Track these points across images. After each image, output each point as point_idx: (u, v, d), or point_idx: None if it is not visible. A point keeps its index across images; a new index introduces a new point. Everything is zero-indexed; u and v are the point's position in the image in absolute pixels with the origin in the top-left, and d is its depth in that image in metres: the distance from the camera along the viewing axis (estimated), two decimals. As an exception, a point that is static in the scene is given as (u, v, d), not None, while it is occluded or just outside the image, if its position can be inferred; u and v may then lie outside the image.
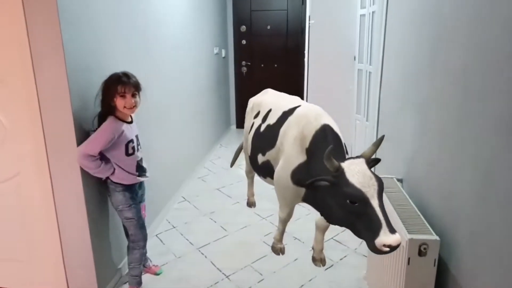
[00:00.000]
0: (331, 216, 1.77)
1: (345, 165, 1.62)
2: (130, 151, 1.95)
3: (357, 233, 1.60)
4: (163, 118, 3.03)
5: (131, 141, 1.95)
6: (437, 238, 1.33)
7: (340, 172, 1.59)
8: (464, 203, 1.26)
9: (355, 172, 1.57)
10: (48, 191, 1.94)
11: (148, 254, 2.37)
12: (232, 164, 3.42)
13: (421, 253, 1.33)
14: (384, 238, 1.41)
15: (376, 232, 1.45)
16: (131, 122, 1.99)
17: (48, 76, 1.77)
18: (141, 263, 2.11)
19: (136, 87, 1.89)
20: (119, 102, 1.85)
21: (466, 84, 1.26)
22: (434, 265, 1.34)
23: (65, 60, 1.73)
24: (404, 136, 1.92)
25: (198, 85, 4.11)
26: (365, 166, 1.60)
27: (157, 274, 2.33)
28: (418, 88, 1.74)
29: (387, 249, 1.42)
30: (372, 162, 1.67)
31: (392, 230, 1.43)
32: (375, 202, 1.49)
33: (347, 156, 1.92)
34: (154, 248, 2.61)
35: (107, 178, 1.95)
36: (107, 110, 1.88)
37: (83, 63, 1.88)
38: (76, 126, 1.82)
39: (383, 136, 1.66)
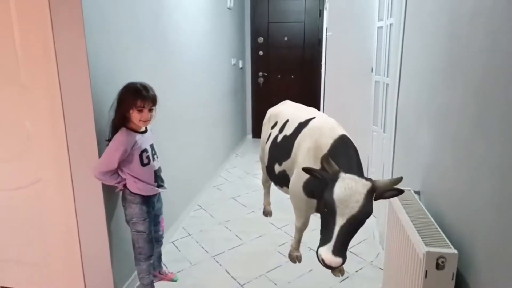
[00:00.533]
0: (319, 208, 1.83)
1: (344, 175, 1.63)
2: (145, 161, 1.92)
3: (320, 233, 1.71)
4: (180, 128, 3.08)
5: (145, 150, 1.92)
6: (455, 251, 1.31)
7: (335, 178, 1.62)
8: (483, 216, 1.24)
9: (346, 186, 1.58)
10: (69, 197, 1.99)
11: (164, 261, 2.40)
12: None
13: (438, 267, 1.31)
14: (324, 252, 1.56)
15: (324, 242, 1.59)
16: (145, 132, 1.97)
17: (72, 84, 1.84)
18: (150, 273, 2.11)
19: (153, 101, 1.87)
20: (135, 115, 1.84)
21: (484, 95, 1.25)
22: (452, 279, 1.32)
23: (89, 69, 1.79)
24: (421, 148, 1.91)
25: (215, 95, 4.17)
26: (362, 190, 1.58)
27: (174, 281, 2.35)
28: (436, 100, 1.74)
29: (321, 262, 1.57)
30: (392, 191, 1.62)
31: (337, 252, 1.54)
32: (340, 221, 1.56)
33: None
34: (170, 255, 2.63)
35: (126, 188, 1.94)
36: (121, 120, 1.87)
37: (106, 72, 1.95)
38: (98, 134, 1.88)
39: (401, 178, 1.63)
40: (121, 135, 1.84)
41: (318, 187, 1.93)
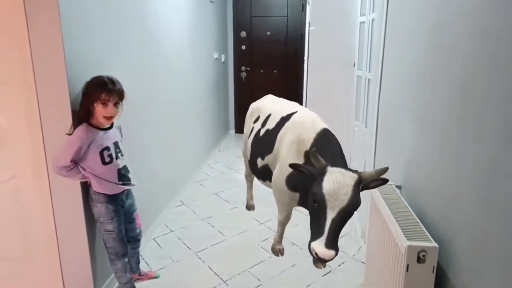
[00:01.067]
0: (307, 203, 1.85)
1: (331, 169, 1.65)
2: (107, 159, 1.83)
3: (310, 226, 1.75)
4: (162, 123, 3.03)
5: (107, 148, 1.83)
6: (436, 245, 1.32)
7: (323, 172, 1.64)
8: (464, 210, 1.26)
9: (334, 179, 1.60)
10: (46, 193, 1.93)
11: (146, 258, 2.36)
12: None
13: (420, 260, 1.33)
14: (317, 246, 1.58)
15: (316, 236, 1.61)
16: (109, 128, 1.88)
17: (48, 80, 1.77)
18: (126, 271, 2.04)
19: (120, 96, 1.79)
20: (99, 110, 1.75)
21: (466, 91, 1.27)
22: (433, 272, 1.33)
23: (65, 64, 1.73)
24: (403, 143, 1.93)
25: (197, 89, 4.12)
26: (350, 182, 1.61)
27: (156, 278, 2.33)
28: (418, 95, 1.75)
29: (315, 256, 1.60)
30: (378, 181, 1.66)
31: (329, 245, 1.57)
32: (331, 214, 1.59)
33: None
34: (152, 252, 2.60)
35: (90, 187, 1.88)
36: (85, 114, 1.78)
37: (83, 66, 1.88)
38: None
39: (387, 168, 1.66)
40: (81, 130, 1.76)
41: (301, 181, 1.95)
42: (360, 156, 2.96)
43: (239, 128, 5.92)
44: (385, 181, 1.66)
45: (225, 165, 4.56)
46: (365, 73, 2.87)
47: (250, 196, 3.27)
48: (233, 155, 4.92)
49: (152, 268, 2.42)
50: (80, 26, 1.85)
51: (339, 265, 2.48)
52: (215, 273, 2.41)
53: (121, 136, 1.99)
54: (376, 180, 1.66)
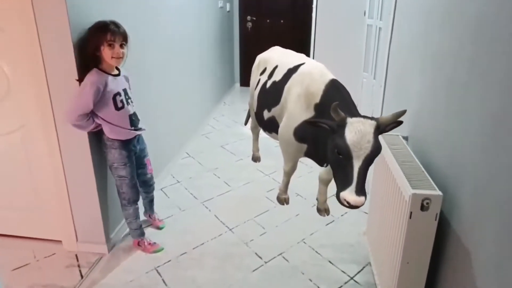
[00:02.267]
0: (325, 156, 1.86)
1: (351, 120, 1.63)
2: (120, 104, 1.86)
3: (335, 178, 1.75)
4: (166, 75, 2.98)
5: (118, 94, 1.85)
6: (440, 193, 1.33)
7: (343, 124, 1.64)
8: (468, 159, 1.25)
9: (356, 130, 1.60)
10: (54, 141, 1.95)
11: (154, 207, 2.42)
12: (246, 122, 3.39)
13: (423, 208, 1.35)
14: (348, 194, 1.58)
15: (344, 186, 1.61)
16: (117, 75, 1.88)
17: (50, 22, 1.73)
18: (137, 217, 2.12)
19: (124, 37, 1.80)
20: (106, 52, 1.75)
21: (477, 40, 1.21)
22: (436, 220, 1.36)
23: (66, 7, 1.68)
24: (411, 94, 1.89)
25: (201, 40, 4.01)
26: (370, 129, 1.61)
27: (160, 229, 2.39)
28: (429, 44, 1.69)
29: (346, 204, 1.60)
30: (393, 124, 1.65)
31: (359, 192, 1.57)
32: (357, 163, 1.59)
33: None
34: (160, 201, 2.66)
35: (103, 134, 1.90)
36: (92, 60, 1.78)
37: (84, 10, 1.82)
38: (79, 74, 1.79)
39: (405, 110, 1.64)
40: (92, 75, 1.76)
41: (310, 133, 1.94)
42: (368, 108, 2.92)
43: (245, 82, 5.83)
44: (400, 122, 1.66)
45: (231, 119, 4.55)
46: (376, 22, 2.76)
47: (256, 148, 3.29)
48: (239, 109, 4.89)
49: (161, 217, 2.49)
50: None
51: (342, 215, 2.53)
52: (221, 221, 2.48)
53: (129, 85, 1.98)
54: (392, 123, 1.66)
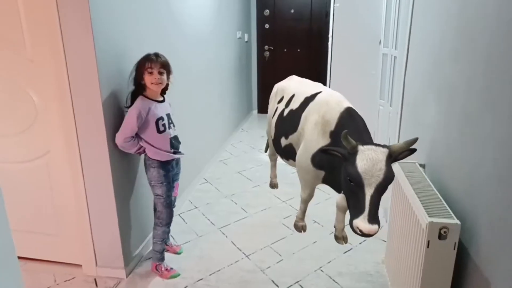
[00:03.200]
0: (339, 184, 1.90)
1: (362, 148, 1.66)
2: (161, 128, 2.02)
3: (348, 206, 1.79)
4: (186, 102, 3.07)
5: (161, 118, 2.02)
6: (458, 221, 1.32)
7: (354, 152, 1.66)
8: (486, 187, 1.25)
9: (367, 157, 1.63)
10: (77, 168, 2.02)
11: (172, 233, 2.44)
12: (266, 150, 3.43)
13: (441, 237, 1.33)
14: (360, 222, 1.60)
15: (357, 214, 1.63)
16: (162, 101, 2.07)
17: (77, 55, 1.84)
18: (163, 240, 2.18)
19: (163, 66, 1.97)
20: (147, 79, 1.94)
21: (491, 69, 1.23)
22: (454, 249, 1.34)
23: (94, 41, 1.79)
24: (427, 122, 1.90)
25: (220, 69, 4.13)
26: (382, 157, 1.63)
27: (178, 253, 2.41)
28: (443, 73, 1.71)
29: (359, 232, 1.62)
30: (406, 152, 1.68)
31: (372, 220, 1.59)
32: (369, 191, 1.62)
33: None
34: (177, 227, 2.69)
35: (145, 154, 2.06)
36: (138, 88, 1.99)
37: (110, 43, 1.94)
38: (104, 104, 1.89)
39: (416, 138, 1.66)
40: (137, 102, 1.96)
41: (327, 160, 1.96)
42: (385, 135, 2.93)
43: (262, 108, 5.92)
44: (413, 150, 1.68)
45: (248, 145, 4.60)
46: (391, 51, 2.80)
47: (273, 175, 3.32)
48: (256, 135, 4.96)
49: (178, 242, 2.51)
50: (109, 7, 1.89)
51: (360, 243, 2.50)
52: (237, 247, 2.48)
53: (171, 111, 2.15)
54: (405, 151, 1.68)
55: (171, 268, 2.22)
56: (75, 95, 1.90)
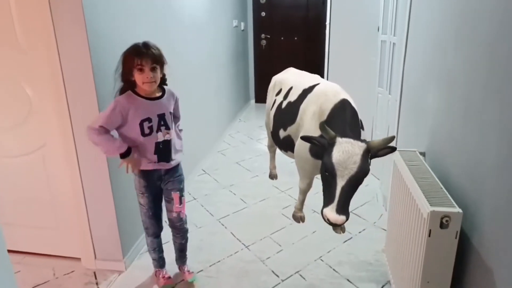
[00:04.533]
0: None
1: (340, 140, 1.73)
2: (146, 131, 1.72)
3: (323, 193, 1.85)
4: (182, 93, 3.02)
5: (148, 120, 1.71)
6: (460, 210, 1.31)
7: (332, 143, 1.72)
8: (488, 175, 1.23)
9: (343, 149, 1.69)
10: (73, 161, 2.00)
11: (188, 261, 2.17)
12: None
13: (442, 226, 1.32)
14: (328, 212, 1.70)
15: (327, 203, 1.73)
16: (159, 98, 1.77)
17: (70, 47, 1.80)
18: (154, 249, 2.02)
19: (155, 60, 1.66)
20: (138, 77, 1.66)
21: (493, 54, 1.20)
22: (456, 238, 1.32)
23: (86, 30, 1.75)
24: (427, 109, 1.88)
25: (217, 58, 4.08)
26: (358, 151, 1.69)
27: (190, 281, 2.06)
28: (444, 59, 1.68)
29: (327, 221, 1.72)
30: (386, 149, 1.73)
31: (340, 211, 1.68)
32: (340, 182, 1.69)
33: (362, 132, 2.04)
34: (176, 218, 2.67)
35: None
36: (128, 85, 1.71)
37: (104, 33, 1.89)
38: (98, 97, 1.86)
39: (393, 137, 1.74)
40: (122, 96, 1.70)
41: (323, 150, 1.96)
42: (384, 123, 2.90)
43: (260, 98, 5.88)
44: (393, 149, 1.73)
45: (246, 135, 4.58)
46: (390, 37, 2.76)
47: (272, 166, 3.32)
48: (254, 125, 4.93)
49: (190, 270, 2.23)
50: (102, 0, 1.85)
51: (360, 232, 2.50)
52: (237, 238, 2.47)
53: (175, 103, 1.87)
54: (384, 149, 1.73)
55: (169, 277, 2.06)
56: (69, 87, 1.87)
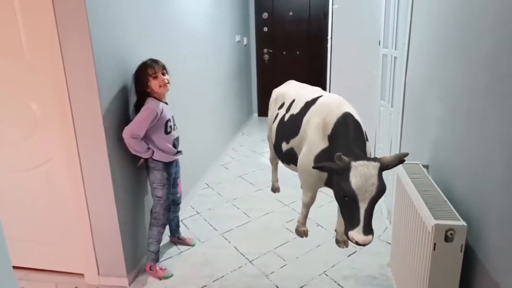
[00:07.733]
0: (335, 195, 1.93)
1: (355, 164, 1.70)
2: (169, 129, 2.09)
3: (342, 216, 1.84)
4: (186, 107, 3.06)
5: (169, 120, 2.10)
6: (464, 223, 1.30)
7: (347, 168, 1.70)
8: (492, 188, 1.22)
9: (360, 174, 1.68)
10: (77, 176, 2.01)
11: (184, 221, 2.56)
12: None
13: (447, 239, 1.31)
14: (356, 234, 1.68)
15: (352, 226, 1.70)
16: (166, 103, 2.12)
17: (76, 63, 1.83)
18: (158, 241, 2.20)
19: (163, 67, 2.06)
20: (154, 83, 2.01)
21: (493, 67, 1.21)
22: (461, 251, 1.31)
23: (92, 47, 1.78)
24: (429, 122, 1.88)
25: (220, 73, 4.12)
26: (374, 171, 1.68)
27: (192, 245, 2.53)
28: (444, 73, 1.69)
29: (356, 244, 1.69)
30: (395, 162, 1.72)
31: (366, 232, 1.67)
32: (363, 205, 1.68)
33: (367, 143, 2.02)
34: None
35: (149, 157, 2.07)
36: (144, 97, 2.03)
37: (108, 51, 1.92)
38: (103, 111, 1.88)
39: (407, 153, 1.72)
40: (152, 102, 2.00)
41: (328, 161, 1.96)
42: (386, 136, 2.91)
43: (263, 112, 5.90)
44: (402, 160, 1.73)
45: (249, 148, 4.59)
46: (391, 51, 2.79)
47: (275, 179, 3.29)
48: (257, 139, 4.94)
49: (180, 248, 2.49)
50: (106, 16, 1.88)
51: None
52: (241, 253, 2.46)
53: None
54: (395, 162, 1.73)
55: (165, 269, 2.24)
56: (74, 103, 1.89)
